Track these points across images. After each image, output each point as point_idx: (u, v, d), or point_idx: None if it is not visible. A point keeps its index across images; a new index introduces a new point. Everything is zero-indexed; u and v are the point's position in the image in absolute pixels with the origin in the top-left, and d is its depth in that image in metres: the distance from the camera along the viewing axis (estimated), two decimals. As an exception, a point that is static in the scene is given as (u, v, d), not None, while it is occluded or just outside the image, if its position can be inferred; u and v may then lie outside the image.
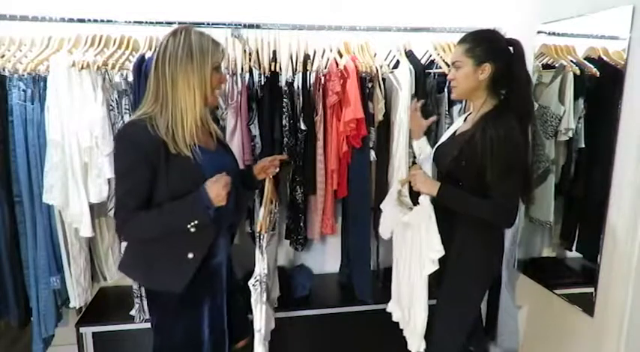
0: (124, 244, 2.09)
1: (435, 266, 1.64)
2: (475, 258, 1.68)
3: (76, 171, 1.93)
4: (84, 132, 1.91)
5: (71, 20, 2.02)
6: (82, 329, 2.17)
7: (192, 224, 1.39)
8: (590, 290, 1.83)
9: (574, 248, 2.05)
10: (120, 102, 2.00)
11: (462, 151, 1.60)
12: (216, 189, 1.38)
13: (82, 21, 2.04)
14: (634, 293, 1.67)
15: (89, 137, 1.91)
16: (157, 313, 1.57)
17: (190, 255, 1.45)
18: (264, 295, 1.65)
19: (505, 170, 1.49)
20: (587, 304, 1.86)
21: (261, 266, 1.64)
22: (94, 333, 2.20)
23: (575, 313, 1.93)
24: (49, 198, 1.93)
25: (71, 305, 2.11)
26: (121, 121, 1.99)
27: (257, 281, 1.64)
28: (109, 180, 1.99)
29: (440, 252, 1.60)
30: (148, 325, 2.13)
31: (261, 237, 1.64)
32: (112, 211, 2.06)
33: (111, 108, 1.99)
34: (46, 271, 2.03)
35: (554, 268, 2.16)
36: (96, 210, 2.09)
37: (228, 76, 2.06)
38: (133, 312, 2.17)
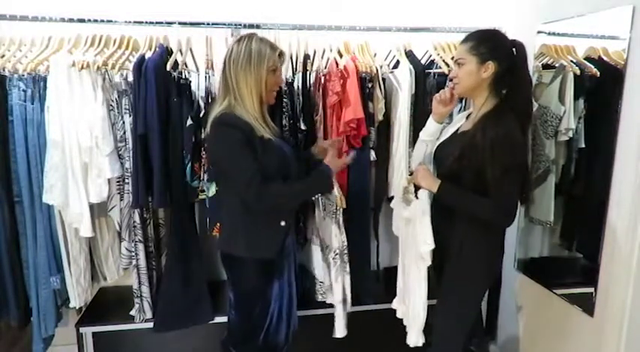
0: (124, 244, 2.10)
1: (427, 261, 1.66)
2: (475, 258, 1.67)
3: (76, 171, 1.93)
4: (84, 132, 1.91)
5: (71, 20, 2.02)
6: (82, 329, 2.17)
7: (317, 196, 1.73)
8: (590, 290, 1.83)
9: (574, 248, 2.05)
10: (120, 102, 2.00)
11: (462, 151, 1.59)
12: (335, 165, 1.69)
13: (82, 21, 2.04)
14: (634, 294, 1.67)
15: (89, 137, 1.92)
16: (241, 284, 1.74)
17: (282, 223, 1.70)
18: (347, 266, 1.75)
19: (505, 170, 1.49)
20: (587, 304, 1.86)
21: (340, 240, 1.75)
22: (94, 333, 2.20)
23: (575, 313, 1.93)
24: (49, 198, 1.93)
25: (71, 305, 2.12)
26: (121, 121, 2.00)
27: (337, 254, 1.75)
28: (108, 180, 1.99)
29: (430, 245, 1.63)
30: (148, 325, 2.15)
31: (338, 212, 1.76)
32: (113, 210, 2.07)
33: (111, 108, 1.99)
34: (46, 271, 2.03)
35: (554, 268, 2.16)
36: (96, 210, 2.09)
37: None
38: (133, 312, 2.17)
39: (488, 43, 1.58)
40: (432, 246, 1.63)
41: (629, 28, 1.63)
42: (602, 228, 1.77)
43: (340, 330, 1.80)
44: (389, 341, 2.47)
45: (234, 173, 1.57)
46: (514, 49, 1.59)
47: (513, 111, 1.56)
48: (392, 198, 2.29)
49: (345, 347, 2.42)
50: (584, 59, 1.88)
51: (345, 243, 1.73)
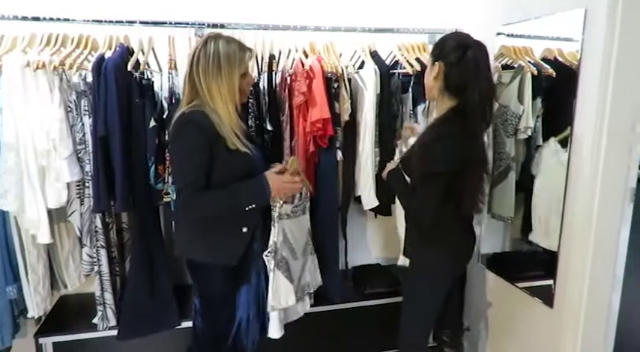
0: (85, 250, 2.04)
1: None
2: (426, 260, 1.74)
3: (32, 175, 1.86)
4: (40, 134, 1.84)
5: (25, 18, 1.95)
6: (42, 340, 2.09)
7: (250, 207, 1.60)
8: (550, 282, 1.90)
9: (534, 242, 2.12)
10: (79, 104, 1.93)
11: (409, 152, 1.70)
12: (279, 183, 1.62)
13: (36, 19, 1.96)
14: (590, 285, 1.74)
15: (46, 140, 1.85)
16: (205, 290, 1.71)
17: (244, 229, 1.66)
18: (272, 263, 1.74)
19: (424, 174, 1.56)
20: (546, 296, 1.93)
21: (272, 238, 1.74)
22: (54, 343, 2.11)
23: (536, 305, 2.00)
24: (4, 204, 1.85)
25: (29, 315, 2.03)
26: (80, 123, 1.93)
27: (270, 252, 1.74)
28: (68, 184, 1.93)
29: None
30: (112, 333, 2.09)
31: (274, 209, 1.75)
32: (72, 215, 2.00)
33: (69, 109, 1.92)
34: (2, 281, 1.95)
35: (516, 262, 2.23)
36: (55, 216, 2.02)
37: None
38: (95, 320, 2.10)
39: (439, 45, 1.62)
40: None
41: (582, 30, 1.70)
42: (560, 223, 1.84)
43: (273, 331, 1.80)
44: (358, 340, 2.49)
45: (177, 173, 1.57)
46: (468, 48, 1.54)
47: (467, 113, 1.55)
48: (359, 197, 2.31)
49: (314, 347, 2.43)
50: (541, 60, 1.94)
51: (275, 239, 1.74)
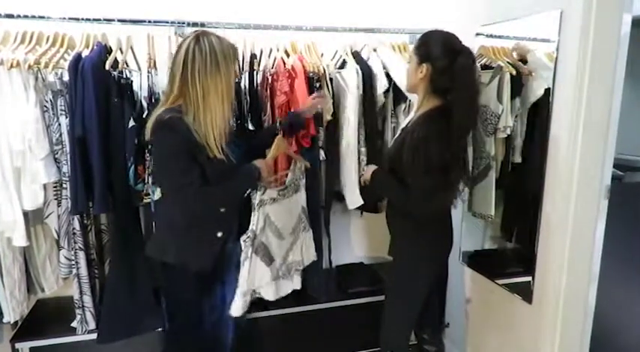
0: (62, 252, 2.00)
1: None
2: (407, 259, 1.77)
3: (7, 176, 1.81)
4: (15, 135, 1.80)
5: (-3, 15, 1.90)
6: (18, 345, 2.04)
7: (247, 193, 1.68)
8: (529, 279, 1.94)
9: (513, 239, 2.16)
10: (55, 103, 1.89)
11: (397, 147, 1.70)
12: (267, 167, 1.70)
13: (10, 16, 1.91)
14: (567, 280, 1.78)
15: (21, 140, 1.80)
16: (177, 292, 1.72)
17: (219, 234, 1.65)
18: (250, 249, 1.73)
19: (423, 170, 1.56)
20: (526, 292, 1.96)
21: (251, 225, 1.73)
22: (31, 348, 2.07)
23: (516, 301, 2.04)
24: (-23, 207, 1.80)
25: (5, 319, 1.98)
26: (57, 123, 1.89)
27: (248, 237, 1.73)
28: (44, 186, 1.89)
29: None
30: (91, 337, 2.05)
31: (254, 196, 1.75)
32: (49, 217, 1.96)
33: (45, 109, 1.88)
34: (-24, 285, 1.89)
35: (496, 259, 2.27)
36: (31, 217, 1.97)
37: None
38: (74, 324, 2.06)
39: (428, 46, 1.62)
40: None
41: (558, 31, 1.73)
42: (537, 220, 1.88)
43: (236, 309, 1.80)
44: (342, 339, 2.50)
45: (169, 177, 1.54)
46: (458, 55, 1.56)
47: (452, 115, 1.57)
48: (342, 195, 2.32)
49: (298, 346, 2.44)
50: (519, 60, 1.97)
51: (254, 227, 1.74)
